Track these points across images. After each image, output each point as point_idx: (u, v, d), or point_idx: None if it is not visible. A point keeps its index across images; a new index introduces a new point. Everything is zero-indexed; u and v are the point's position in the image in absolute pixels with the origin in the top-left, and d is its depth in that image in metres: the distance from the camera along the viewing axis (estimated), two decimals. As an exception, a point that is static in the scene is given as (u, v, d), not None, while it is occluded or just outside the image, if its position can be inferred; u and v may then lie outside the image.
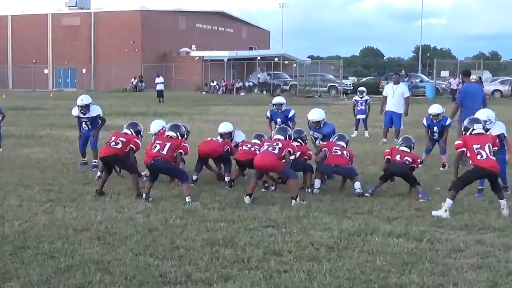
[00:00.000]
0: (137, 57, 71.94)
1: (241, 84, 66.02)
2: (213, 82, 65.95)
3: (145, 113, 32.21)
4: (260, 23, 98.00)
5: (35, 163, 15.11)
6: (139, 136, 11.71)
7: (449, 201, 9.93)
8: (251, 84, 66.49)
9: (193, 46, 75.86)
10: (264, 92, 60.68)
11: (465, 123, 10.70)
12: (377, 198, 11.02)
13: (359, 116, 21.99)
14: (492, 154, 10.13)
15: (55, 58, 77.69)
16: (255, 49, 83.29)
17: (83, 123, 14.22)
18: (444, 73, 60.93)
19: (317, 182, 11.79)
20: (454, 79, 52.32)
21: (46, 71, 75.93)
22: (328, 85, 60.48)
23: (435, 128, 14.79)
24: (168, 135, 11.34)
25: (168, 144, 10.97)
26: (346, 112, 29.58)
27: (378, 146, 18.16)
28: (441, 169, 14.26)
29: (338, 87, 58.65)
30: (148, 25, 72.74)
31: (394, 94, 19.56)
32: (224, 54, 70.78)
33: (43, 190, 11.64)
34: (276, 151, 10.77)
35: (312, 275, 6.91)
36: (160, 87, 45.71)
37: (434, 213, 9.88)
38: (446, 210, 9.79)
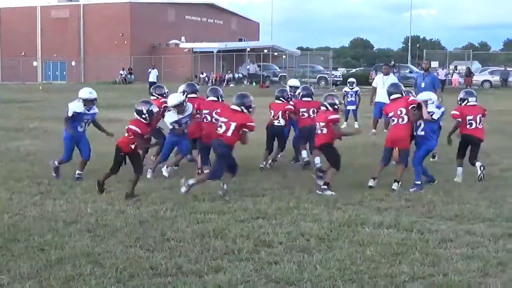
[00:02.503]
0: (126, 49, 71.65)
1: (230, 75, 65.96)
2: (202, 74, 65.84)
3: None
4: (250, 15, 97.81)
5: (25, 156, 15.06)
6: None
7: (459, 169, 11.99)
8: (240, 75, 66.47)
9: (183, 38, 75.58)
10: (254, 83, 60.66)
11: (461, 95, 12.26)
12: (368, 189, 11.05)
13: (349, 107, 21.97)
14: (480, 123, 11.91)
15: (44, 51, 77.30)
16: (244, 41, 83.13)
17: (83, 122, 12.17)
18: (434, 64, 60.92)
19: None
20: (442, 69, 52.44)
21: (35, 63, 75.40)
22: (318, 76, 60.54)
23: None
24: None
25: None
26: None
27: (368, 137, 18.17)
28: (431, 159, 14.27)
29: (328, 78, 58.71)
30: (137, 17, 72.43)
31: (384, 85, 19.53)
32: (213, 46, 70.54)
33: (33, 183, 11.61)
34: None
35: (302, 266, 6.93)
36: (153, 78, 45.89)
37: (456, 179, 11.86)
38: (458, 175, 11.95)
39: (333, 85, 55.84)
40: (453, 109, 12.08)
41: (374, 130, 19.08)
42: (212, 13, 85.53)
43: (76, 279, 6.54)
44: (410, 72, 59.35)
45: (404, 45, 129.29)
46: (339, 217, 9.05)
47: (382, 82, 19.71)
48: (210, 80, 64.70)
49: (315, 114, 12.65)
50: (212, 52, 69.51)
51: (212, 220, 8.92)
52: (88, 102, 12.04)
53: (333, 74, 60.53)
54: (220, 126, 10.51)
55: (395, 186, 11.13)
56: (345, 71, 76.23)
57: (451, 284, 6.45)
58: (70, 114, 11.93)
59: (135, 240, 7.89)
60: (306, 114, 13.35)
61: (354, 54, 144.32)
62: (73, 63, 72.37)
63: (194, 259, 7.20)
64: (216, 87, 13.84)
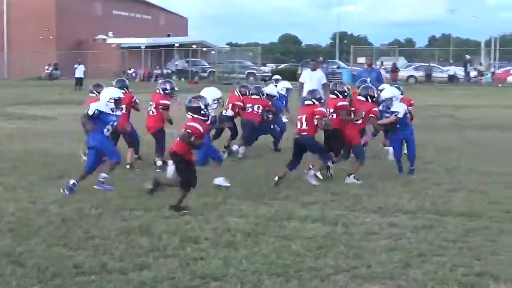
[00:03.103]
0: (52, 45, 70.22)
1: (159, 71, 65.49)
2: (130, 70, 65.16)
3: (60, 101, 31.68)
4: (178, 10, 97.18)
5: None
6: None
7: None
8: (169, 71, 65.99)
9: (110, 33, 74.58)
10: (182, 79, 60.35)
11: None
12: (294, 184, 11.12)
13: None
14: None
15: (-34, 46, 75.32)
16: (173, 36, 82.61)
17: (108, 124, 10.70)
18: (361, 60, 61.74)
19: None
20: (370, 65, 53.08)
21: (-43, 59, 73.47)
22: (247, 72, 60.59)
23: None
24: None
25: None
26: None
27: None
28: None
29: (257, 74, 58.83)
30: (63, 11, 71.03)
31: (312, 80, 19.69)
32: (141, 41, 69.82)
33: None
34: None
35: (228, 262, 6.93)
36: (80, 74, 45.34)
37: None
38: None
39: (262, 80, 55.98)
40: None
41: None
42: (140, 8, 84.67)
43: (-4, 279, 6.39)
44: (338, 67, 60.22)
45: (332, 41, 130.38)
46: (265, 212, 9.09)
47: (309, 78, 19.83)
48: (138, 76, 64.13)
49: (259, 110, 14.52)
50: (140, 47, 68.83)
51: (138, 217, 8.83)
52: (118, 102, 10.98)
53: (261, 70, 60.65)
54: None
55: (349, 180, 11.43)
56: (274, 67, 76.61)
57: (374, 276, 6.55)
58: (91, 112, 10.45)
59: (58, 239, 7.74)
60: (250, 109, 14.61)
61: (283, 49, 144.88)
62: (-4, 59, 70.67)
63: (119, 257, 7.11)
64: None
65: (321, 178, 11.61)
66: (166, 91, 13.00)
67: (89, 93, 13.19)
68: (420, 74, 57.09)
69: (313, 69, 20.17)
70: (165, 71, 65.77)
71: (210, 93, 11.78)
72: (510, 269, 6.79)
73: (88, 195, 10.18)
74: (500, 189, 10.93)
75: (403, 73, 56.54)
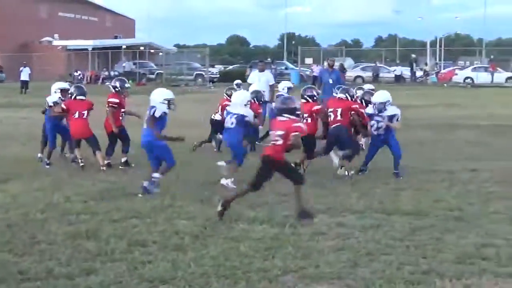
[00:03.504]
0: (-4, 47, 69.20)
1: (106, 73, 64.93)
2: (77, 72, 64.48)
3: (7, 104, 31.20)
4: (125, 12, 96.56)
5: None
6: None
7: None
8: (116, 73, 65.44)
9: (56, 35, 73.72)
10: (130, 81, 59.78)
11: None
12: (242, 185, 11.08)
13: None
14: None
15: None
16: (120, 38, 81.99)
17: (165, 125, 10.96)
18: (308, 60, 62.16)
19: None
20: (317, 66, 53.50)
21: None
22: (195, 73, 60.43)
23: None
24: None
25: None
26: (213, 100, 29.63)
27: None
28: None
29: (205, 75, 58.73)
30: (7, 14, 69.84)
31: (260, 81, 19.75)
32: (88, 43, 69.16)
33: None
34: None
35: (176, 265, 6.89)
36: (25, 77, 44.56)
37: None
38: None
39: (210, 82, 55.96)
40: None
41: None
42: (86, 10, 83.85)
43: None
44: (286, 68, 60.45)
45: (280, 42, 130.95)
46: (213, 214, 9.04)
47: (257, 79, 19.90)
48: (85, 78, 63.48)
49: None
50: (87, 49, 68.18)
51: (85, 221, 8.73)
52: (171, 103, 10.91)
53: (210, 71, 60.57)
54: None
55: (340, 171, 12.18)
56: (222, 68, 76.60)
57: (322, 276, 6.58)
58: (158, 114, 10.56)
59: (2, 245, 7.60)
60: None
61: (231, 51, 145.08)
62: None
63: (66, 262, 7.02)
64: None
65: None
66: (117, 89, 13.00)
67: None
68: (367, 74, 57.82)
69: (261, 70, 20.24)
70: (112, 73, 65.20)
71: (161, 94, 11.17)
72: (455, 266, 6.89)
73: (33, 199, 10.03)
74: (445, 187, 11.09)
75: (350, 74, 57.08)
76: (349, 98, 12.63)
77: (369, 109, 12.39)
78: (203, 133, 15.77)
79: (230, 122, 11.61)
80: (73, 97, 12.99)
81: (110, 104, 12.85)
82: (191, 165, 13.32)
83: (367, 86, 16.62)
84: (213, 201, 9.93)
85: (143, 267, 6.84)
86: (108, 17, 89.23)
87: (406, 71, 59.64)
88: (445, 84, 52.69)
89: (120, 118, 13.14)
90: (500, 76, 55.71)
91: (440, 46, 72.79)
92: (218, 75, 61.44)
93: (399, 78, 57.00)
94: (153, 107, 10.60)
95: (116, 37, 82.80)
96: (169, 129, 10.90)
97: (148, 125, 10.61)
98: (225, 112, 12.18)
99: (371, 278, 6.52)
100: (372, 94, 12.83)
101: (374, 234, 8.08)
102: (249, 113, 11.73)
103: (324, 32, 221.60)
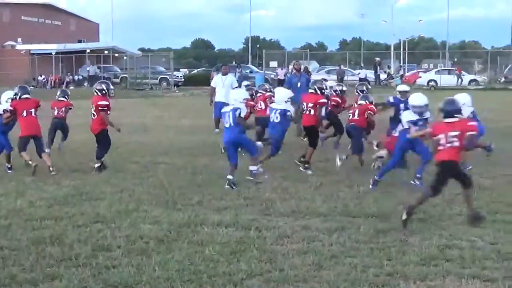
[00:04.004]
0: (-42, 52, 68.33)
1: (70, 77, 64.46)
2: (41, 77, 63.92)
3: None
4: (89, 16, 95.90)
5: None
6: None
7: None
8: (80, 77, 65.06)
9: (19, 40, 72.95)
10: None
11: None
12: (207, 189, 11.10)
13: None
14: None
15: None
16: (84, 42, 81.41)
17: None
18: (273, 64, 62.35)
19: None
20: (282, 69, 53.69)
21: None
22: (159, 77, 60.22)
23: None
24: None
25: None
26: (177, 104, 29.69)
27: (211, 136, 18.37)
28: None
29: (170, 79, 58.57)
30: (-32, 17, 69.26)
31: (224, 85, 19.81)
32: (52, 48, 68.54)
33: None
34: None
35: (141, 269, 6.87)
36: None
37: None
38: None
39: (174, 86, 55.84)
40: None
41: (217, 130, 19.14)
42: (50, 14, 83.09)
43: None
44: (251, 72, 60.42)
45: (244, 46, 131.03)
46: (178, 218, 9.03)
47: (221, 82, 19.98)
48: (49, 83, 62.95)
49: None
50: (51, 53, 67.55)
51: (49, 227, 8.65)
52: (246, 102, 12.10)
53: (174, 75, 60.43)
54: None
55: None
56: (187, 72, 76.45)
57: (287, 279, 6.60)
58: (243, 114, 11.79)
59: (-36, 251, 7.52)
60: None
61: (196, 54, 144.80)
62: None
63: (29, 268, 6.95)
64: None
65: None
66: (103, 92, 12.98)
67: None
68: (332, 77, 57.95)
69: (224, 74, 20.38)
70: (76, 77, 64.79)
71: (241, 94, 12.11)
72: (419, 268, 6.96)
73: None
74: (406, 190, 11.13)
75: (315, 77, 57.19)
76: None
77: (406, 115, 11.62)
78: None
79: (275, 117, 12.88)
80: (18, 97, 12.99)
81: (100, 107, 12.74)
82: (157, 168, 13.27)
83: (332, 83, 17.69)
84: (178, 205, 9.92)
85: (107, 272, 6.80)
86: (72, 21, 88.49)
87: (370, 74, 59.99)
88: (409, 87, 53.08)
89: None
90: (464, 78, 56.42)
91: (404, 49, 73.38)
92: (183, 79, 61.33)
93: (363, 81, 57.31)
94: (237, 109, 11.42)
95: (80, 41, 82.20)
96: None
97: (236, 124, 11.41)
98: (268, 109, 14.00)
99: (336, 281, 6.55)
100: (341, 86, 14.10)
101: (339, 237, 8.11)
102: (290, 108, 13.04)
103: (289, 35, 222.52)
